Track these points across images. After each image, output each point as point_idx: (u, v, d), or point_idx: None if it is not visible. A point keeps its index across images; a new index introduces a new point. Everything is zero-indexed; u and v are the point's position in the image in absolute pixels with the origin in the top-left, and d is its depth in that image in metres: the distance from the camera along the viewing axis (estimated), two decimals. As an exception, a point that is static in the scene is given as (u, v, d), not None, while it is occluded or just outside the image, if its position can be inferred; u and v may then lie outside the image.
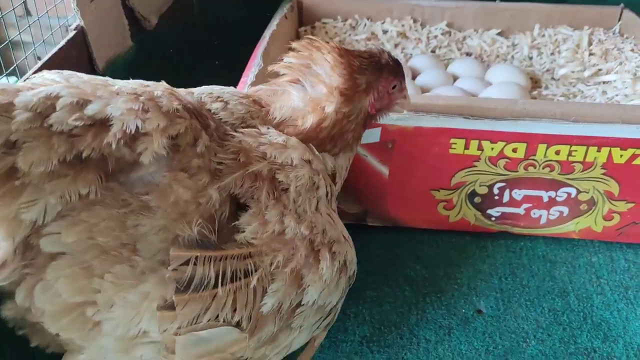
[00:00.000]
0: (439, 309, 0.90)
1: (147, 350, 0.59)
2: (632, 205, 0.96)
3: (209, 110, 0.69)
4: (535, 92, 1.21)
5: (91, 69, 1.05)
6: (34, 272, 0.55)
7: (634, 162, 0.91)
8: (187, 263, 0.56)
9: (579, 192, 0.96)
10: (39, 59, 0.96)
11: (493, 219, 1.00)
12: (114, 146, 0.54)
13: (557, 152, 0.92)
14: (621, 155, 0.91)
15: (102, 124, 0.55)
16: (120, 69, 1.11)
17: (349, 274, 0.71)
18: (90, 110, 0.55)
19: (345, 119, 0.75)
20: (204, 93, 0.71)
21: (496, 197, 0.98)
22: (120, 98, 0.57)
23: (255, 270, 0.60)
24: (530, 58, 1.35)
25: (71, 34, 1.00)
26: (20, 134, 0.51)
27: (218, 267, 0.57)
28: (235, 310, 0.58)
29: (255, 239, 0.61)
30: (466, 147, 0.93)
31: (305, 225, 0.65)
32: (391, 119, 0.90)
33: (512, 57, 1.36)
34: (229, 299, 0.58)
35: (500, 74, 1.24)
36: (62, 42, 0.97)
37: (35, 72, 0.86)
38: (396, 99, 0.82)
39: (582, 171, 0.93)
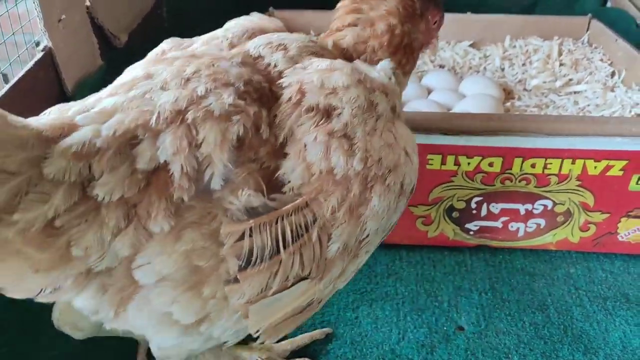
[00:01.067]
0: (420, 327, 0.90)
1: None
2: (607, 215, 0.97)
3: (268, 65, 0.64)
4: (508, 104, 1.22)
5: (60, 91, 1.03)
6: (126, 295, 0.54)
7: (607, 174, 0.92)
8: (242, 237, 0.54)
9: (555, 204, 0.96)
10: (5, 76, 0.94)
11: (471, 233, 1.00)
12: (185, 198, 0.53)
13: (533, 166, 0.92)
14: (595, 167, 0.92)
15: (157, 170, 0.53)
16: (90, 89, 1.08)
17: (407, 193, 0.67)
18: (142, 164, 0.52)
19: (408, 35, 0.74)
20: (261, 45, 0.66)
21: (474, 212, 0.98)
22: (167, 136, 0.53)
23: (314, 221, 0.57)
24: (502, 69, 1.36)
25: (39, 55, 0.97)
26: (62, 220, 0.49)
27: (276, 231, 0.55)
28: (302, 267, 0.57)
29: (303, 185, 0.57)
30: (443, 162, 0.93)
31: (358, 158, 0.60)
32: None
33: (485, 68, 1.37)
34: (295, 259, 0.56)
35: (473, 86, 1.25)
36: (30, 64, 0.95)
37: (4, 94, 0.84)
38: (433, 37, 0.81)
39: (558, 183, 0.94)
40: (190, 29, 1.52)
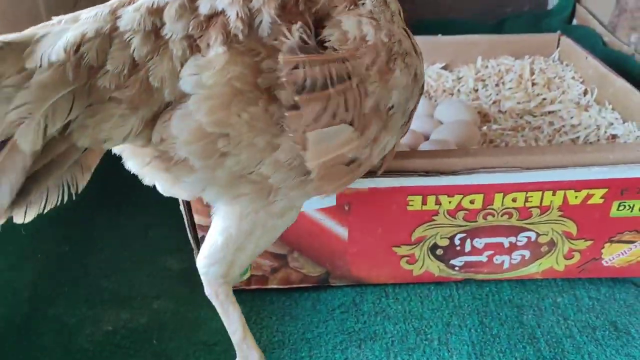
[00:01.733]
0: (411, 370, 0.89)
1: (248, 188, 0.66)
2: (591, 242, 0.97)
3: None
4: (485, 128, 1.22)
5: None
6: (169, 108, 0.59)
7: (589, 202, 0.92)
8: (296, 68, 0.60)
9: (538, 235, 0.96)
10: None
11: (457, 268, 0.99)
12: (240, 35, 0.59)
13: (514, 200, 0.92)
14: (576, 197, 0.92)
15: (215, 15, 0.59)
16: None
17: (419, 84, 0.76)
18: (203, 10, 0.59)
19: None
20: None
21: (458, 248, 0.97)
22: None
23: (349, 77, 0.63)
24: (476, 90, 1.36)
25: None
26: (139, 54, 0.56)
27: (324, 70, 0.61)
28: (347, 109, 0.63)
29: (341, 46, 0.64)
30: (424, 203, 0.92)
31: (384, 33, 0.67)
32: (345, 181, 0.89)
33: (459, 90, 1.37)
34: (341, 99, 0.62)
35: (449, 112, 1.24)
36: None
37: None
38: None
39: (540, 215, 0.93)
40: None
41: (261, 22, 0.61)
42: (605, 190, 0.91)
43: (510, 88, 1.33)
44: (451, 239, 0.96)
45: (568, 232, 0.96)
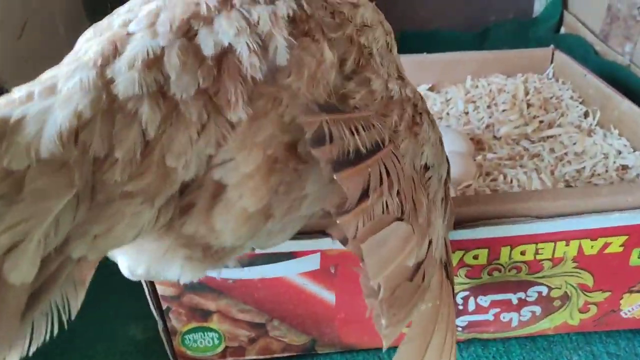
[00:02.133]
0: None
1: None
2: (609, 294, 0.86)
3: None
4: (479, 157, 1.10)
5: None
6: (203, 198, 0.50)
7: (606, 251, 0.81)
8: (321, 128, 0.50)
9: (550, 289, 0.84)
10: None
11: (460, 329, 0.88)
12: (258, 76, 0.49)
13: (523, 253, 0.80)
14: (592, 247, 0.80)
15: (224, 55, 0.49)
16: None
17: (444, 155, 0.69)
18: (207, 50, 0.48)
19: None
20: None
21: (461, 307, 0.85)
22: (222, 20, 0.50)
23: (383, 142, 0.54)
24: (467, 113, 1.24)
25: None
26: (151, 129, 0.45)
27: (351, 129, 0.51)
28: (391, 184, 0.53)
29: (367, 105, 0.56)
30: (420, 260, 0.80)
31: (409, 88, 0.64)
32: (328, 242, 0.77)
33: (448, 114, 1.25)
34: (381, 167, 0.52)
35: (439, 142, 1.12)
36: None
37: None
38: None
39: (552, 268, 0.82)
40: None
41: (276, 48, 0.51)
42: (625, 237, 0.80)
43: (504, 110, 1.22)
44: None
45: (584, 285, 0.84)
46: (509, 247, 0.80)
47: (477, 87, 1.30)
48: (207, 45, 0.48)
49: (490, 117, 1.22)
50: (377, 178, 0.52)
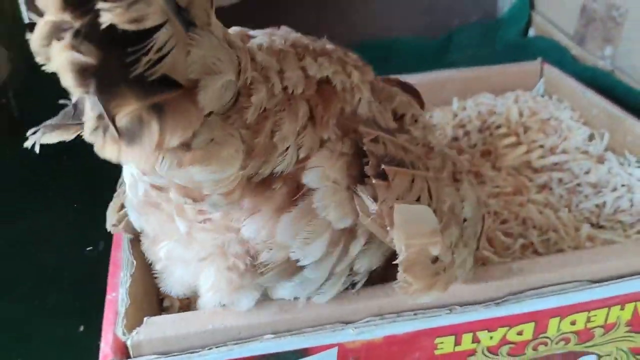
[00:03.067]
0: None
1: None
2: (660, 354, 0.75)
3: None
4: (482, 193, 0.98)
5: None
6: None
7: (662, 310, 0.70)
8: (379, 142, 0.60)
9: (600, 357, 0.73)
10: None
11: (497, 410, 0.75)
12: (348, 109, 0.62)
13: (573, 323, 0.68)
14: (648, 308, 0.69)
15: (323, 82, 0.61)
16: None
17: (481, 214, 0.71)
18: (311, 71, 0.60)
19: None
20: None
21: (500, 388, 0.73)
22: (324, 59, 0.63)
23: (427, 169, 0.63)
24: (456, 139, 1.12)
25: None
26: (271, 102, 0.55)
27: (401, 154, 0.61)
28: (430, 197, 0.60)
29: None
30: (457, 343, 0.66)
31: (448, 150, 0.71)
32: (349, 333, 0.62)
33: (436, 140, 1.12)
34: (424, 184, 0.60)
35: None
36: None
37: None
38: None
39: (603, 335, 0.70)
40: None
41: (360, 99, 0.64)
42: (684, 294, 0.69)
43: (498, 135, 1.10)
44: (491, 379, 0.72)
45: (635, 348, 0.73)
46: (558, 318, 0.67)
47: (464, 109, 1.17)
48: (312, 68, 0.61)
49: (483, 144, 1.10)
50: (418, 190, 0.59)
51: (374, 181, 0.56)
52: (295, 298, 0.62)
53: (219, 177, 0.50)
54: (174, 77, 0.42)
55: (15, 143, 1.42)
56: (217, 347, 0.61)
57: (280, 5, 1.67)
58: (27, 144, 0.52)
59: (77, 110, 0.51)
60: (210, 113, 0.46)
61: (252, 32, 0.66)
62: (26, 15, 1.52)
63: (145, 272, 0.73)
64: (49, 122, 0.53)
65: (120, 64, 0.39)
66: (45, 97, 1.43)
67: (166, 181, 0.54)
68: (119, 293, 0.67)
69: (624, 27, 1.32)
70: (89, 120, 0.42)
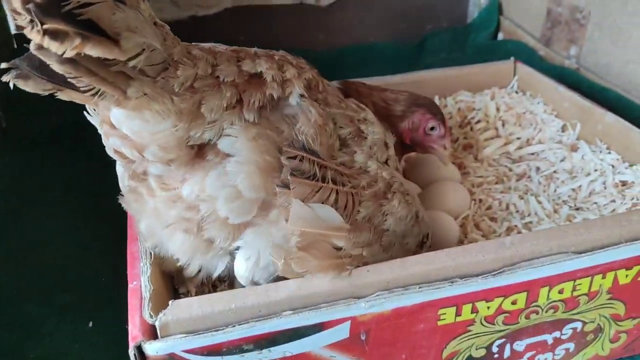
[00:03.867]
0: None
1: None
2: (638, 320, 0.82)
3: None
4: (466, 183, 1.05)
5: None
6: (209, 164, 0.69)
7: (639, 279, 0.77)
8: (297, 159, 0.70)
9: (584, 324, 0.80)
10: None
11: (494, 377, 0.81)
12: (275, 95, 0.72)
13: (561, 291, 0.75)
14: (627, 276, 0.76)
15: (255, 76, 0.72)
16: None
17: (422, 231, 0.82)
18: (245, 67, 0.72)
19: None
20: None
21: (496, 356, 0.79)
22: (262, 60, 0.74)
23: (349, 183, 0.73)
24: (440, 135, 1.19)
25: None
26: (199, 83, 0.67)
27: (321, 171, 0.70)
28: (337, 203, 0.70)
29: (345, 167, 0.75)
30: (458, 313, 0.72)
31: (387, 172, 0.79)
32: (361, 307, 0.68)
33: (420, 137, 1.19)
34: (332, 195, 0.70)
35: (425, 171, 1.06)
36: None
37: None
38: (433, 142, 0.99)
39: (587, 302, 0.77)
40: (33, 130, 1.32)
41: (291, 92, 0.74)
42: (658, 262, 0.77)
43: (478, 129, 1.17)
44: (489, 347, 0.77)
45: (616, 315, 0.80)
46: (547, 287, 0.74)
47: (445, 106, 1.24)
48: (247, 65, 0.72)
49: (465, 138, 1.17)
50: (323, 197, 0.69)
51: (277, 189, 0.68)
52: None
53: (153, 128, 0.65)
54: (101, 25, 0.55)
55: (6, 153, 1.44)
56: (239, 325, 0.66)
57: (263, 14, 1.73)
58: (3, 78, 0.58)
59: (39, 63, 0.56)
60: (143, 73, 0.61)
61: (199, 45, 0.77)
62: (13, 27, 1.53)
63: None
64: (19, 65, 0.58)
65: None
66: (33, 108, 1.47)
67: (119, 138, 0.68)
68: (140, 281, 0.71)
69: (587, 28, 1.42)
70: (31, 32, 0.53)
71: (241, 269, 0.72)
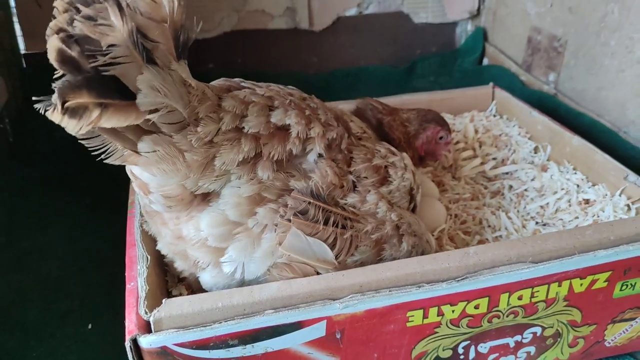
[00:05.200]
0: None
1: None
2: (594, 326, 0.89)
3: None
4: (445, 200, 1.12)
5: None
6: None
7: (593, 287, 0.84)
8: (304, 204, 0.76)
9: (544, 329, 0.87)
10: None
11: (461, 378, 0.88)
12: (295, 151, 0.77)
13: (520, 298, 0.82)
14: (581, 284, 0.84)
15: (282, 129, 0.77)
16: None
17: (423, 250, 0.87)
18: (274, 119, 0.77)
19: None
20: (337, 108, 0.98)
21: (462, 357, 0.86)
22: (293, 111, 0.79)
23: (351, 228, 0.78)
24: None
25: None
26: (220, 136, 0.71)
27: (325, 215, 0.77)
28: (333, 247, 0.77)
29: (354, 209, 0.81)
30: (425, 316, 0.79)
31: (395, 214, 0.83)
32: (336, 308, 0.75)
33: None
34: (331, 236, 0.76)
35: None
36: None
37: None
38: (442, 149, 1.10)
39: (546, 309, 0.84)
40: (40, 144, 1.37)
41: (312, 150, 0.79)
42: (610, 273, 0.84)
43: (457, 150, 1.25)
44: (454, 348, 0.84)
45: (573, 321, 0.87)
46: (507, 294, 0.81)
47: (428, 127, 1.32)
48: (277, 116, 0.77)
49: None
50: (322, 237, 0.76)
51: (279, 219, 0.75)
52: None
53: (160, 182, 0.70)
54: (124, 81, 0.60)
55: (12, 166, 1.51)
56: (226, 322, 0.73)
57: (259, 38, 1.81)
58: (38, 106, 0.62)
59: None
60: (160, 131, 0.66)
61: (245, 84, 0.84)
62: (23, 47, 1.62)
63: (156, 266, 0.85)
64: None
65: (87, 61, 0.58)
66: (39, 124, 1.54)
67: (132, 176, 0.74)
68: (137, 282, 0.79)
69: (564, 56, 1.50)
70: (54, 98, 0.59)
71: (207, 284, 0.80)
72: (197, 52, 1.78)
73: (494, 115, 1.36)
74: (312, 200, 0.76)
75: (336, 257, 0.77)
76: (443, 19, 1.93)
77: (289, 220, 0.75)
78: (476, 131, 1.30)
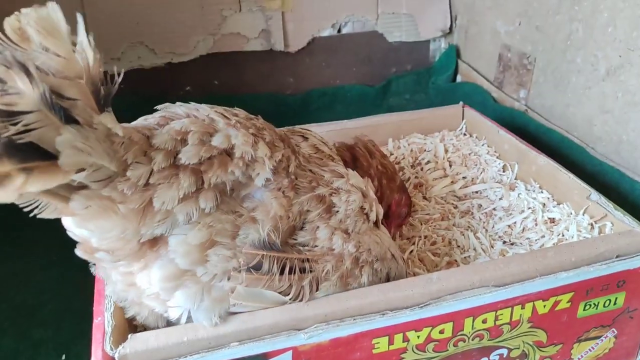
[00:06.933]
0: None
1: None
2: (560, 346, 0.91)
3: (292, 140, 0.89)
4: (415, 220, 1.14)
5: None
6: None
7: (556, 309, 0.86)
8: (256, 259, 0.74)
9: (510, 350, 0.88)
10: None
11: (429, 402, 0.89)
12: (237, 174, 0.73)
13: (484, 321, 0.83)
14: (544, 306, 0.85)
15: (225, 153, 0.73)
16: None
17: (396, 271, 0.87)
18: (216, 142, 0.73)
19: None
20: (285, 129, 0.96)
21: (429, 381, 0.87)
22: (239, 132, 0.75)
23: (311, 271, 0.77)
24: (393, 175, 1.28)
25: None
26: (154, 178, 0.67)
27: (281, 264, 0.74)
28: (289, 294, 0.76)
29: (310, 250, 0.78)
30: (390, 342, 0.80)
31: (352, 244, 0.81)
32: (301, 338, 0.76)
33: (374, 177, 1.28)
34: (286, 285, 0.75)
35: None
36: None
37: None
38: (398, 219, 1.05)
39: (510, 331, 0.86)
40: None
41: (259, 174, 0.75)
42: (572, 294, 0.85)
43: (428, 169, 1.27)
44: (422, 373, 0.86)
45: (539, 342, 0.89)
46: (471, 318, 0.82)
47: (399, 147, 1.34)
48: (219, 139, 0.73)
49: (416, 178, 1.26)
50: (275, 287, 0.75)
51: (232, 273, 0.72)
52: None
53: (100, 237, 0.67)
54: (43, 146, 0.57)
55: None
56: (191, 356, 0.73)
57: (236, 60, 1.83)
58: None
59: None
60: (87, 187, 0.63)
61: (186, 110, 0.79)
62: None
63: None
64: None
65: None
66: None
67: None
68: (104, 317, 0.79)
69: (534, 73, 1.53)
70: None
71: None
72: (173, 75, 1.79)
73: (464, 134, 1.38)
74: (265, 253, 0.73)
75: (295, 300, 0.76)
76: (417, 37, 1.95)
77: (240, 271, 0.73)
78: (446, 151, 1.31)
